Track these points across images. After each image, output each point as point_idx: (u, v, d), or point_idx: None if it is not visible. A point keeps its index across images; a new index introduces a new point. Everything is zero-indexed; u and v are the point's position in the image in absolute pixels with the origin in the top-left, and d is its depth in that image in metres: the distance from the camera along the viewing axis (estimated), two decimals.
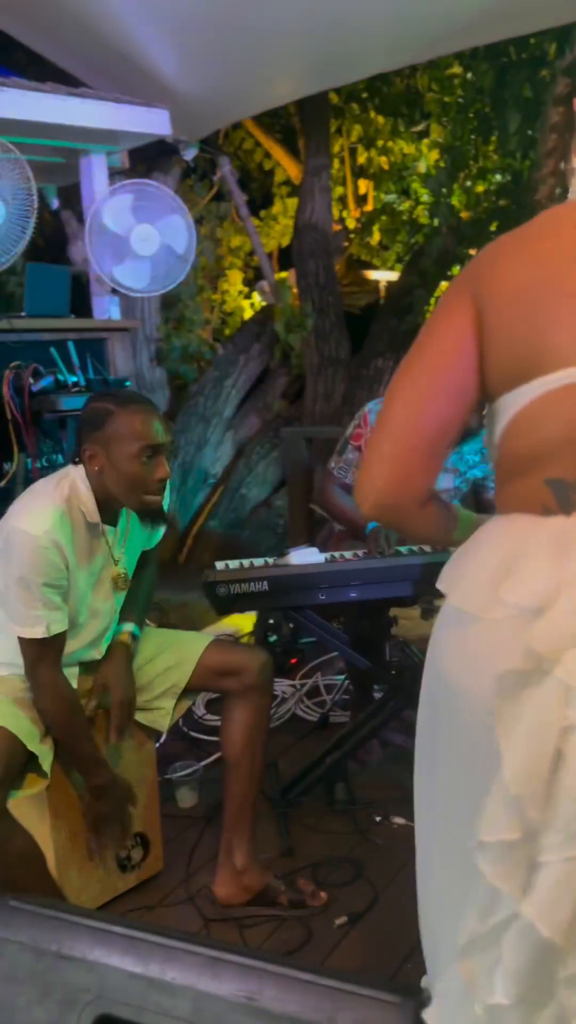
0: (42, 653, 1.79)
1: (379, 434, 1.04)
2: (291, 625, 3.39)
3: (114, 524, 1.91)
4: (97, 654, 1.99)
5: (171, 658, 2.02)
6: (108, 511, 1.87)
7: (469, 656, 0.95)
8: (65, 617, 1.80)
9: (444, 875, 1.05)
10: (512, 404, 0.98)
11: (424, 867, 1.14)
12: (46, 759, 1.77)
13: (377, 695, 2.86)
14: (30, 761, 1.76)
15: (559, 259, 0.96)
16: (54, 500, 1.77)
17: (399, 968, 1.80)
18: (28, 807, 1.84)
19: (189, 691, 2.02)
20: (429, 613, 3.51)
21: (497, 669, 0.89)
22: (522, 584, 0.90)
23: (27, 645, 1.78)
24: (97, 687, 1.93)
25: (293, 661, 3.40)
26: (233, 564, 2.23)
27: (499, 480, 1.03)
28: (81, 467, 1.83)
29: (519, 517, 0.96)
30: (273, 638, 3.40)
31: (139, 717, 2.02)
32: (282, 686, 3.17)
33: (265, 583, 2.14)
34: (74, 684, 1.96)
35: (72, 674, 1.96)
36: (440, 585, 1.03)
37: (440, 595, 2.66)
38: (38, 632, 1.75)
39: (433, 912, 1.11)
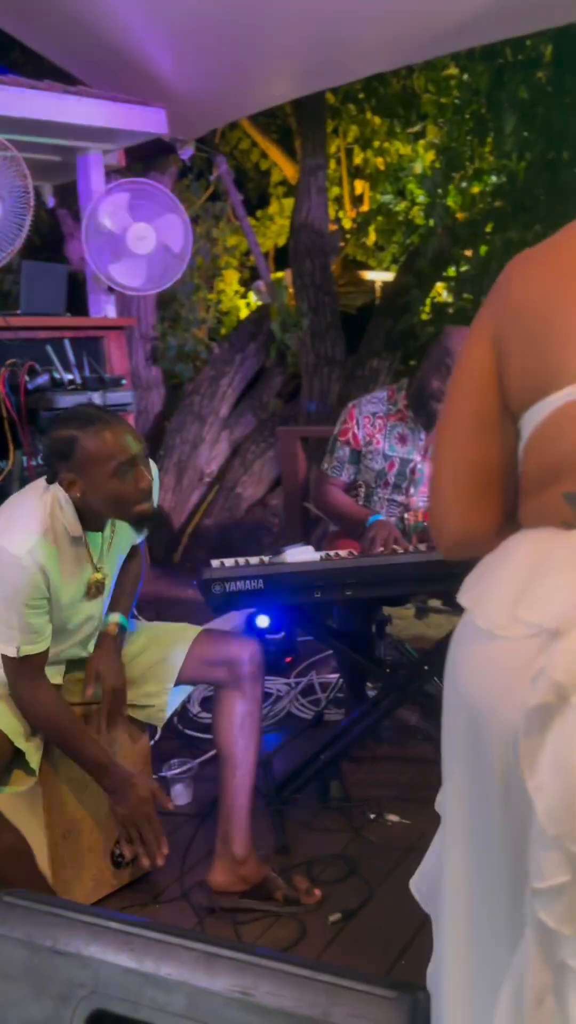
0: (19, 670, 1.80)
1: (436, 478, 1.09)
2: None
3: (100, 530, 1.90)
4: (84, 652, 2.00)
5: (161, 651, 2.02)
6: (93, 522, 1.86)
7: (489, 678, 0.92)
8: (43, 639, 1.80)
9: (484, 920, 0.98)
10: (531, 421, 0.98)
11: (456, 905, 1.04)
12: (33, 757, 1.77)
13: (370, 693, 2.87)
14: (17, 758, 1.76)
15: (566, 270, 0.96)
16: (38, 518, 1.76)
17: (393, 964, 1.81)
18: (20, 804, 1.85)
19: (182, 683, 2.02)
20: (423, 613, 3.53)
21: (522, 700, 0.85)
22: (540, 602, 0.88)
23: (4, 660, 1.80)
24: (89, 678, 1.93)
25: (288, 660, 3.40)
26: (228, 562, 2.24)
27: (522, 495, 1.02)
28: (58, 486, 1.81)
29: (540, 531, 0.95)
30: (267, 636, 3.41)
31: (133, 712, 2.02)
32: (277, 684, 3.18)
33: (260, 581, 2.14)
34: (59, 679, 1.96)
35: (58, 671, 1.97)
36: (461, 598, 1.00)
37: (433, 595, 2.68)
38: (10, 651, 1.77)
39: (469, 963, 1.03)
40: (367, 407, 2.60)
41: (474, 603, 0.97)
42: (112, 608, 2.00)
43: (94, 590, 1.93)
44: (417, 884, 1.23)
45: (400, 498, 2.61)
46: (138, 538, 2.08)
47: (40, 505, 1.78)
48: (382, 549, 2.29)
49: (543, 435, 0.96)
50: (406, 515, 2.61)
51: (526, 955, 0.88)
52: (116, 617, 1.99)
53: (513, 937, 0.91)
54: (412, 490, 2.59)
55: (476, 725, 0.94)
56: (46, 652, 1.82)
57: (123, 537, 1.99)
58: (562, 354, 0.94)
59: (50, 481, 1.81)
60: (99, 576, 1.92)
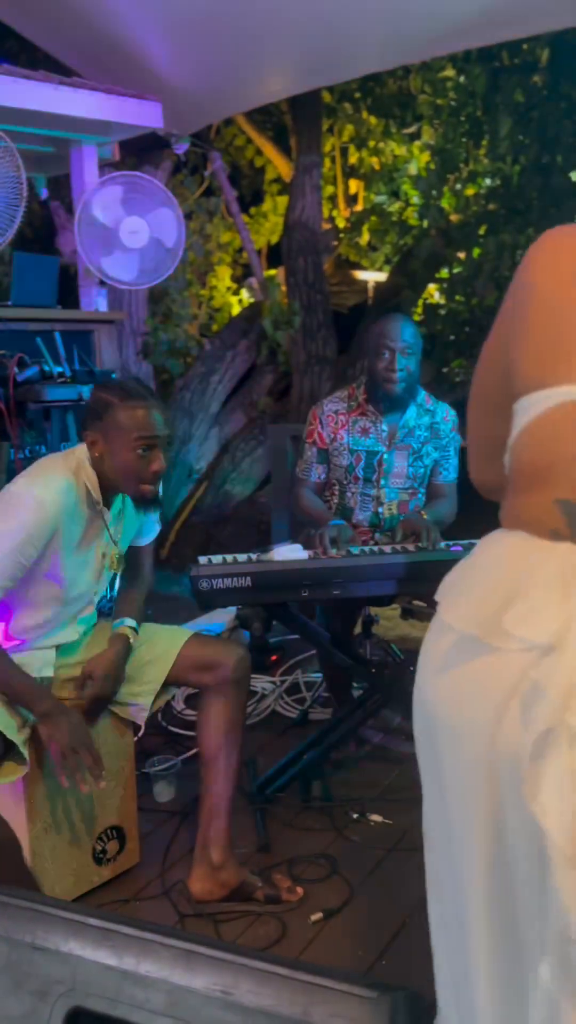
0: None
1: (467, 435, 1.16)
2: (258, 624, 3.41)
3: (109, 506, 1.94)
4: (73, 634, 1.99)
5: (151, 652, 2.01)
6: (107, 492, 1.91)
7: (475, 692, 0.89)
8: (7, 583, 1.79)
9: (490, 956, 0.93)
10: (526, 410, 0.94)
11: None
12: (23, 748, 1.76)
13: (356, 692, 2.87)
14: (7, 748, 1.75)
15: None
16: (63, 471, 1.84)
17: (374, 964, 1.80)
18: (3, 798, 1.84)
19: (168, 685, 2.02)
20: (408, 613, 3.52)
21: (520, 722, 0.83)
22: (531, 615, 0.85)
23: None
24: (84, 673, 1.93)
25: (274, 658, 3.40)
26: (216, 559, 2.23)
27: (510, 489, 0.98)
28: (85, 448, 1.89)
29: (526, 538, 0.91)
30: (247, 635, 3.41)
31: (117, 710, 2.01)
32: (262, 682, 3.17)
33: (248, 579, 2.13)
34: (50, 670, 1.95)
35: (48, 659, 1.96)
36: (439, 600, 0.98)
37: (419, 598, 2.67)
38: None
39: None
40: (328, 406, 2.64)
41: (456, 606, 0.94)
42: (124, 612, 2.03)
43: (116, 563, 1.98)
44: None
45: (372, 491, 2.62)
46: (143, 540, 2.10)
47: (66, 462, 1.87)
48: (319, 550, 2.26)
49: (539, 430, 0.93)
50: (380, 508, 2.63)
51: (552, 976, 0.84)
52: (131, 622, 2.01)
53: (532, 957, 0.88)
54: (382, 481, 2.61)
55: (457, 735, 0.91)
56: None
57: (130, 522, 2.02)
58: (568, 347, 0.91)
59: (80, 438, 1.90)
60: (115, 552, 1.97)
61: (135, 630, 2.00)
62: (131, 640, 1.98)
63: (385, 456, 2.60)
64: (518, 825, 0.85)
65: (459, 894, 0.94)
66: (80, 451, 1.89)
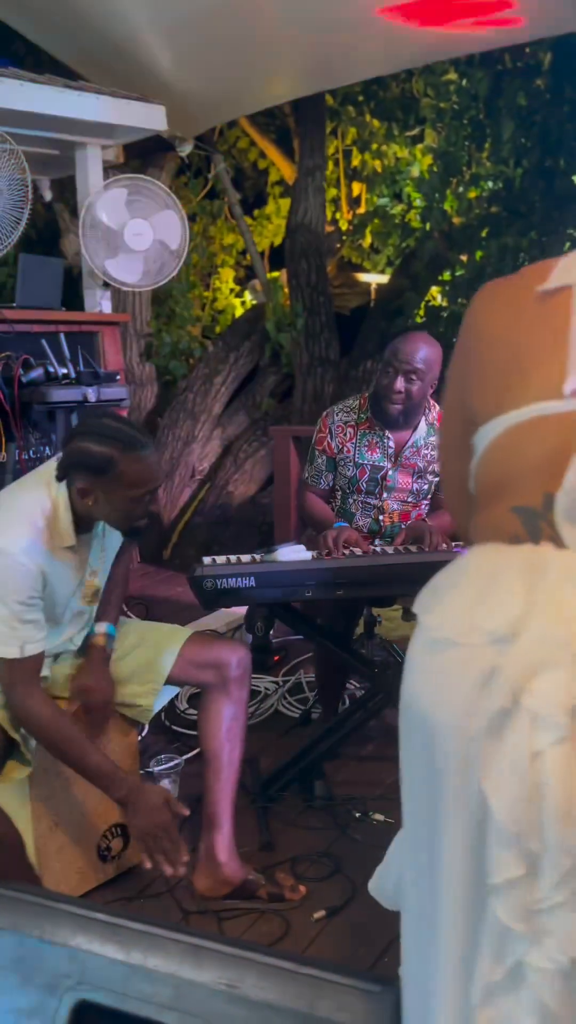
0: (14, 676, 1.75)
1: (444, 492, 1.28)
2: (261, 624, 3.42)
3: (90, 530, 1.89)
4: (72, 646, 2.00)
5: (152, 651, 2.02)
6: (87, 523, 1.86)
7: (446, 684, 0.94)
8: (41, 639, 1.78)
9: (444, 922, 0.99)
10: (484, 437, 1.02)
11: (420, 916, 1.06)
12: (27, 747, 1.77)
13: (348, 693, 2.89)
14: (12, 749, 1.76)
15: (523, 308, 1.02)
16: (32, 519, 1.75)
17: (376, 962, 1.82)
18: (9, 795, 1.85)
19: (170, 684, 2.03)
20: (410, 615, 3.53)
21: (480, 706, 0.89)
22: (496, 609, 0.91)
23: (5, 665, 1.75)
24: (75, 691, 1.92)
25: (276, 658, 3.41)
26: (220, 559, 2.24)
27: (477, 509, 1.05)
28: (63, 485, 1.79)
29: (490, 547, 0.98)
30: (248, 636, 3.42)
31: (121, 710, 2.03)
32: (264, 682, 3.19)
33: (252, 579, 2.15)
34: (47, 671, 1.96)
35: (47, 664, 1.97)
36: (417, 610, 1.02)
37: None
38: (12, 652, 1.73)
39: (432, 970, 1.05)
40: (339, 416, 2.63)
41: (432, 616, 0.99)
42: (100, 616, 2.00)
43: (91, 596, 1.94)
44: (378, 885, 1.28)
45: (374, 501, 2.64)
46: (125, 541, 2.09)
47: (38, 506, 1.76)
48: (328, 550, 2.28)
49: (496, 451, 1.00)
50: (381, 517, 2.64)
51: (482, 956, 0.91)
52: (104, 628, 1.98)
53: (473, 937, 0.94)
54: (384, 495, 2.62)
55: (432, 728, 0.95)
56: (42, 656, 1.80)
57: (113, 538, 1.99)
58: (521, 377, 0.98)
59: (60, 479, 1.78)
60: (95, 584, 1.94)
61: (110, 635, 1.98)
62: (105, 647, 1.96)
63: (390, 473, 2.60)
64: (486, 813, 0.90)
65: (435, 888, 0.98)
66: (52, 490, 1.78)
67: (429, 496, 2.67)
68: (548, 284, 0.99)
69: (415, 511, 2.65)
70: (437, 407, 2.63)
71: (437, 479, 2.62)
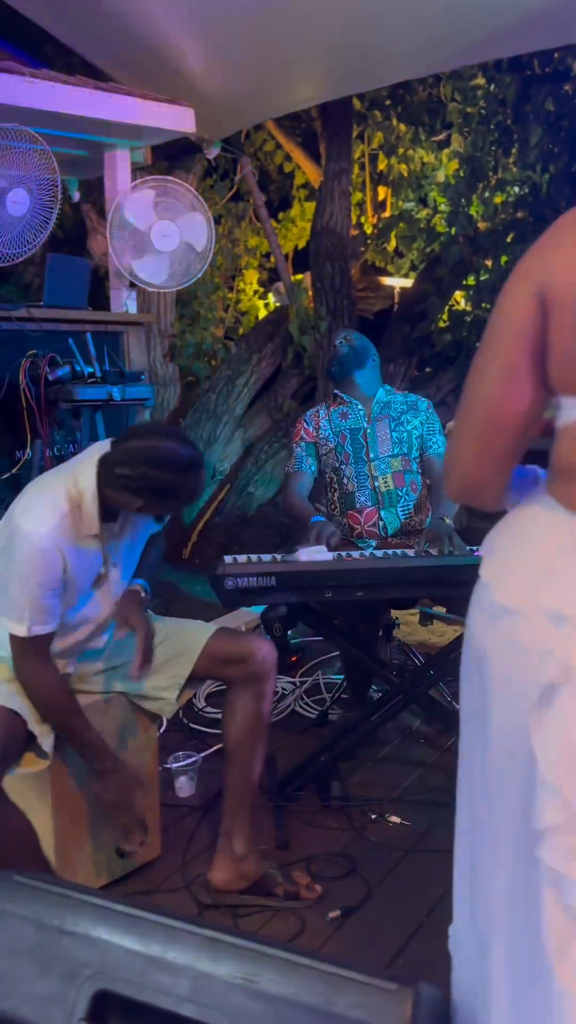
0: (24, 650, 1.81)
1: (461, 432, 1.07)
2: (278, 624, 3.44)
3: (113, 520, 1.91)
4: (99, 643, 2.02)
5: (176, 646, 2.04)
6: (112, 515, 1.89)
7: (504, 651, 1.01)
8: (53, 620, 1.81)
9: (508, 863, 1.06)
10: (573, 408, 0.98)
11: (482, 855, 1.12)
12: (46, 739, 1.80)
13: (375, 695, 2.89)
14: (31, 741, 1.78)
15: None
16: (58, 506, 1.78)
17: (390, 963, 1.82)
18: (30, 788, 1.87)
19: (193, 679, 2.04)
20: (427, 619, 3.54)
21: (537, 676, 0.96)
22: (557, 589, 0.96)
23: (11, 639, 1.81)
24: (121, 626, 1.96)
25: (294, 659, 3.42)
26: (242, 558, 2.26)
27: (557, 473, 1.03)
28: (94, 474, 1.81)
29: (564, 517, 0.99)
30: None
31: (144, 703, 2.05)
32: (282, 683, 3.20)
33: (273, 578, 2.16)
34: (71, 668, 1.98)
35: (72, 662, 1.99)
36: (484, 573, 1.07)
37: (439, 602, 2.72)
38: (20, 630, 1.78)
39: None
40: (308, 412, 2.89)
41: (495, 579, 1.05)
42: (135, 575, 2.03)
43: (111, 587, 1.96)
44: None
45: (365, 468, 2.75)
46: (156, 527, 2.11)
47: (65, 492, 1.80)
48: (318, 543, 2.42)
49: None
50: (376, 483, 2.75)
51: (542, 906, 0.98)
52: (141, 582, 2.02)
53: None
54: (371, 453, 2.75)
55: (496, 681, 1.03)
56: (51, 636, 1.84)
57: (139, 531, 2.01)
58: None
59: (105, 485, 1.80)
60: (116, 575, 1.96)
61: (145, 589, 2.01)
62: (141, 593, 2.00)
63: (368, 430, 2.77)
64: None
65: (492, 817, 1.06)
66: (83, 480, 1.81)
67: (414, 451, 2.78)
68: None
69: (407, 472, 2.76)
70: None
71: (416, 433, 2.79)
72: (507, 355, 1.01)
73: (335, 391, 2.86)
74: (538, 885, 0.98)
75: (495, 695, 1.04)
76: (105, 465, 1.81)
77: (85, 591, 1.90)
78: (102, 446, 1.86)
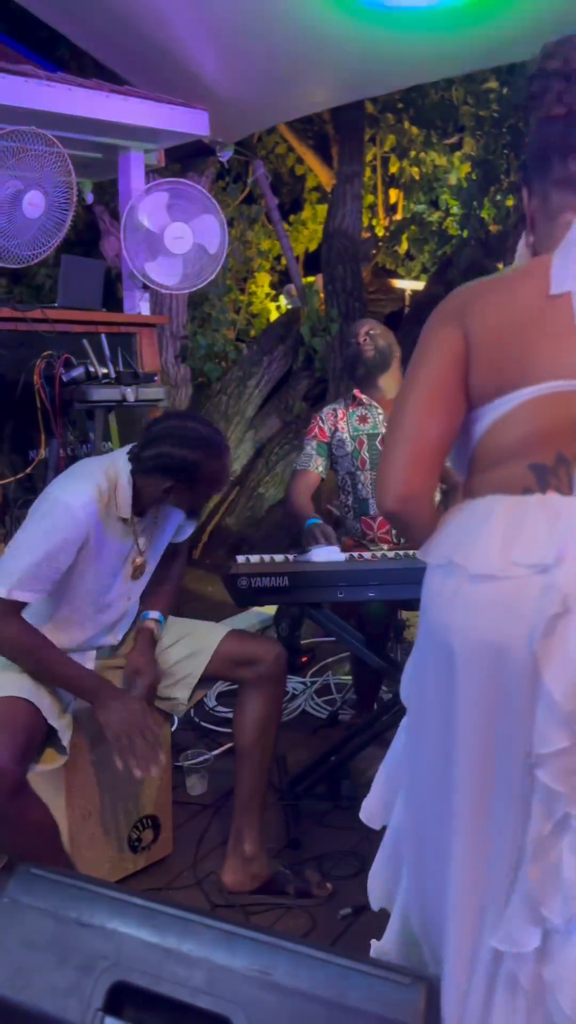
0: (3, 612, 1.79)
1: (392, 447, 1.27)
2: (285, 624, 3.46)
3: (142, 515, 1.96)
4: (112, 639, 2.04)
5: (189, 646, 2.06)
6: (142, 504, 1.92)
7: (496, 607, 1.13)
8: (37, 593, 1.80)
9: (476, 821, 1.19)
10: (494, 411, 1.21)
11: (437, 825, 1.25)
12: (65, 734, 1.81)
13: (385, 696, 2.90)
14: (50, 735, 1.80)
15: (525, 305, 1.20)
16: (98, 482, 1.84)
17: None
18: (45, 784, 1.89)
19: (205, 679, 2.06)
20: None
21: (535, 615, 1.09)
22: (530, 547, 1.12)
23: None
24: (129, 672, 1.97)
25: (304, 659, 3.44)
26: (254, 558, 2.27)
27: (477, 470, 1.24)
28: (128, 464, 1.87)
29: (503, 497, 1.18)
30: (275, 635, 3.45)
31: (155, 702, 2.06)
32: (292, 683, 3.21)
33: (285, 578, 2.17)
34: (91, 665, 2.00)
35: (89, 657, 2.01)
36: (445, 552, 1.21)
37: None
38: (1, 590, 1.77)
39: (465, 866, 1.22)
40: (326, 410, 2.85)
41: (465, 557, 1.17)
42: (152, 605, 2.06)
43: (137, 572, 1.99)
44: (367, 811, 1.49)
45: None
46: (182, 535, 2.13)
47: (103, 474, 1.86)
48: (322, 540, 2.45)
49: (509, 420, 1.19)
50: None
51: (531, 818, 1.13)
52: (155, 615, 2.05)
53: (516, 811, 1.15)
54: None
55: (478, 651, 1.15)
56: (25, 604, 1.83)
57: (168, 527, 2.05)
58: (522, 363, 1.18)
59: (139, 472, 1.86)
60: (141, 561, 1.98)
61: (160, 622, 2.05)
62: (155, 632, 2.03)
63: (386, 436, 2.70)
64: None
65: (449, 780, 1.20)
66: (120, 464, 1.88)
67: None
68: (555, 289, 1.18)
69: None
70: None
71: None
72: (436, 384, 1.24)
73: (355, 391, 2.82)
74: (521, 802, 1.13)
75: (468, 667, 1.15)
76: (133, 451, 1.87)
77: (111, 574, 1.92)
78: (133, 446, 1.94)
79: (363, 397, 2.78)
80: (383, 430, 2.73)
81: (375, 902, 1.47)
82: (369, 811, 1.47)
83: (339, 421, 2.78)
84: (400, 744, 1.41)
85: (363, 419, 2.77)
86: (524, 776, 1.13)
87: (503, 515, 1.17)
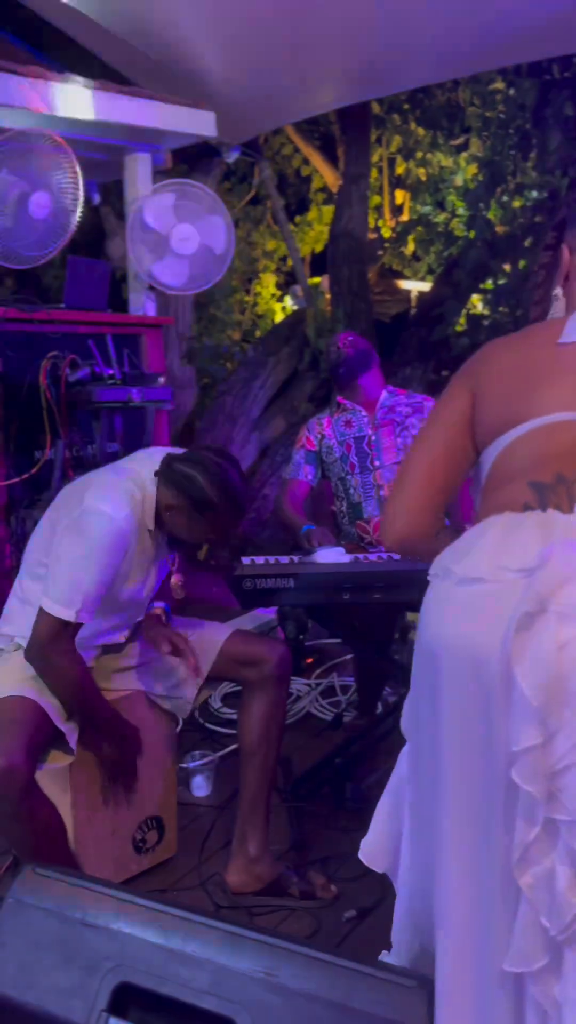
0: (60, 635, 1.77)
1: (400, 488, 1.39)
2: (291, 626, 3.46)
3: (161, 526, 1.95)
4: (121, 638, 2.04)
5: (194, 646, 2.06)
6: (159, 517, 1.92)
7: (477, 608, 1.17)
8: (92, 616, 1.80)
9: (465, 832, 1.20)
10: (499, 445, 1.30)
11: (431, 825, 1.27)
12: (72, 736, 1.81)
13: (389, 698, 2.90)
14: (55, 737, 1.80)
15: (536, 352, 1.32)
16: (131, 493, 1.83)
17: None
18: (50, 783, 1.89)
19: (210, 680, 2.06)
20: None
21: (515, 611, 1.11)
22: (518, 553, 1.16)
23: (46, 622, 1.76)
24: (155, 645, 2.02)
25: (309, 661, 3.43)
26: (259, 559, 2.27)
27: (485, 496, 1.32)
28: (154, 471, 1.87)
29: (504, 515, 1.23)
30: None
31: (162, 702, 2.06)
32: (297, 685, 3.21)
33: (291, 580, 2.17)
34: (92, 663, 2.00)
35: (89, 656, 2.01)
36: (444, 563, 1.25)
37: None
38: (68, 614, 1.74)
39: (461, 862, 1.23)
40: (312, 420, 2.87)
41: (459, 564, 1.21)
42: (157, 596, 2.08)
43: (156, 580, 2.00)
44: (367, 853, 1.52)
45: (371, 478, 2.75)
46: None
47: (136, 485, 1.86)
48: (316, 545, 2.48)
49: (515, 447, 1.28)
50: (382, 493, 2.75)
51: (518, 820, 1.12)
52: (161, 604, 2.08)
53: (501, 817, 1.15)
54: (376, 462, 2.74)
55: (461, 653, 1.18)
56: (82, 626, 1.83)
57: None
58: (529, 400, 1.28)
59: (158, 472, 1.87)
60: (172, 573, 2.04)
61: (166, 612, 2.06)
62: (162, 619, 2.05)
63: (372, 438, 2.76)
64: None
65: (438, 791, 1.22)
66: (147, 479, 1.88)
67: None
68: (564, 338, 1.29)
69: None
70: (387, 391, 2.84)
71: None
72: (441, 442, 1.37)
73: (338, 399, 2.83)
74: (505, 809, 1.13)
75: (450, 674, 1.19)
76: (169, 459, 1.87)
77: (139, 579, 1.94)
78: (151, 453, 1.94)
79: (346, 403, 2.80)
80: (369, 432, 2.76)
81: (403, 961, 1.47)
82: (370, 852, 1.49)
83: (325, 429, 2.81)
84: (399, 774, 1.44)
85: (348, 423, 2.79)
86: (509, 782, 1.13)
87: (500, 528, 1.22)
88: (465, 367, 1.40)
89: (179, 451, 1.93)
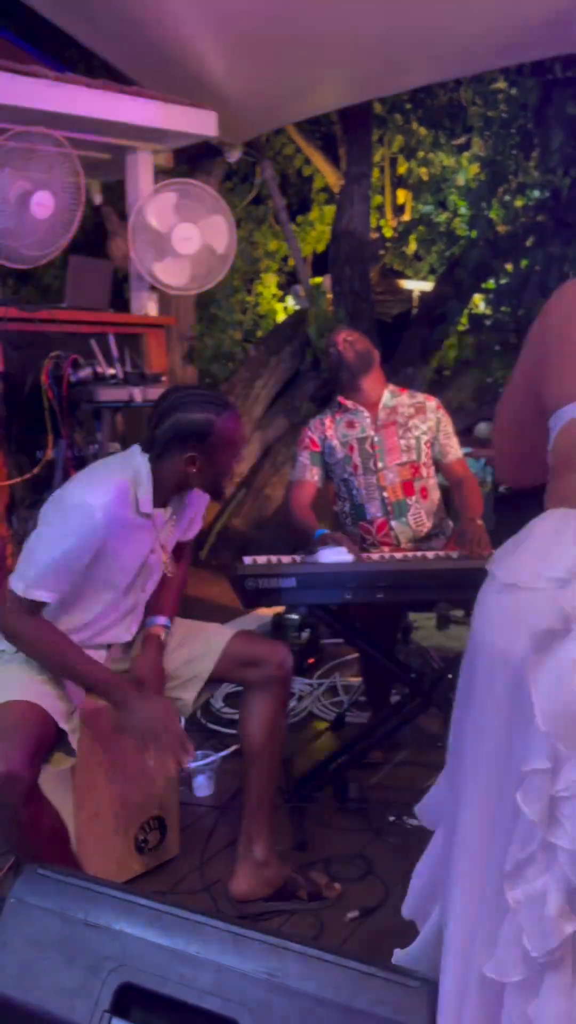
0: (19, 609, 1.78)
1: (496, 448, 1.44)
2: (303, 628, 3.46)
3: (164, 506, 1.95)
4: (126, 635, 2.03)
5: (195, 648, 2.05)
6: (165, 494, 1.91)
7: (509, 619, 1.12)
8: (53, 594, 1.79)
9: (480, 824, 1.17)
10: (560, 419, 1.21)
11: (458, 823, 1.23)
12: (74, 736, 1.81)
13: (394, 699, 2.90)
14: (59, 738, 1.80)
15: None
16: (116, 481, 1.81)
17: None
18: (53, 785, 1.88)
19: (211, 681, 2.05)
20: (445, 623, 3.53)
21: (534, 628, 1.05)
22: (556, 560, 1.08)
23: (9, 597, 1.79)
24: (132, 678, 1.96)
25: (311, 661, 3.43)
26: (262, 559, 2.27)
27: (551, 478, 1.22)
28: (146, 457, 1.87)
29: (559, 511, 1.16)
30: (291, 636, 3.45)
31: None
32: (299, 684, 3.21)
33: (293, 579, 2.17)
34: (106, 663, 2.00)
35: (100, 656, 2.01)
36: (493, 566, 1.19)
37: (458, 605, 2.74)
38: (18, 586, 1.76)
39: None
40: (314, 421, 2.84)
41: (503, 569, 1.16)
42: (157, 610, 2.05)
43: (154, 569, 1.98)
44: (422, 808, 1.47)
45: (374, 480, 2.71)
46: (191, 531, 2.13)
47: (122, 473, 1.85)
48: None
49: (569, 430, 1.19)
50: (385, 495, 2.71)
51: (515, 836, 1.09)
52: (163, 620, 2.04)
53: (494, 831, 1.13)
54: (379, 463, 2.71)
55: (491, 656, 1.13)
56: (45, 605, 1.82)
57: (182, 522, 2.05)
58: None
59: (157, 456, 1.86)
60: (165, 558, 1.99)
61: (166, 628, 2.04)
62: (162, 638, 2.02)
63: (375, 439, 2.72)
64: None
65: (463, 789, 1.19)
66: (137, 460, 1.87)
67: (421, 457, 2.73)
68: None
69: (417, 479, 2.72)
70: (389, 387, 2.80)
71: (425, 439, 2.74)
72: (514, 407, 1.37)
73: (339, 399, 2.80)
74: (506, 825, 1.10)
75: (483, 683, 1.14)
76: (147, 437, 1.88)
77: (129, 573, 1.92)
78: (137, 448, 1.93)
79: (348, 403, 2.76)
80: (371, 433, 2.72)
81: None
82: (412, 909, 1.48)
83: (327, 429, 2.77)
84: (437, 798, 1.40)
85: (351, 424, 2.75)
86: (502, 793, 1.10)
87: (550, 525, 1.14)
88: (535, 322, 1.31)
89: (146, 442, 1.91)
